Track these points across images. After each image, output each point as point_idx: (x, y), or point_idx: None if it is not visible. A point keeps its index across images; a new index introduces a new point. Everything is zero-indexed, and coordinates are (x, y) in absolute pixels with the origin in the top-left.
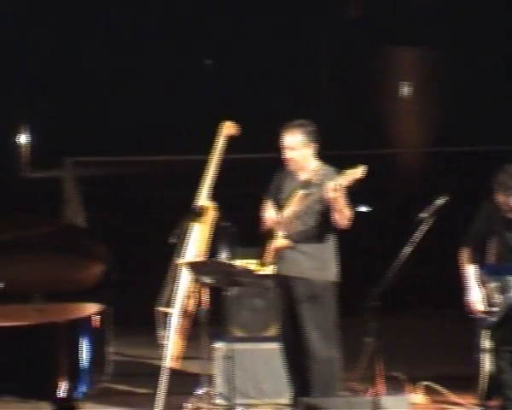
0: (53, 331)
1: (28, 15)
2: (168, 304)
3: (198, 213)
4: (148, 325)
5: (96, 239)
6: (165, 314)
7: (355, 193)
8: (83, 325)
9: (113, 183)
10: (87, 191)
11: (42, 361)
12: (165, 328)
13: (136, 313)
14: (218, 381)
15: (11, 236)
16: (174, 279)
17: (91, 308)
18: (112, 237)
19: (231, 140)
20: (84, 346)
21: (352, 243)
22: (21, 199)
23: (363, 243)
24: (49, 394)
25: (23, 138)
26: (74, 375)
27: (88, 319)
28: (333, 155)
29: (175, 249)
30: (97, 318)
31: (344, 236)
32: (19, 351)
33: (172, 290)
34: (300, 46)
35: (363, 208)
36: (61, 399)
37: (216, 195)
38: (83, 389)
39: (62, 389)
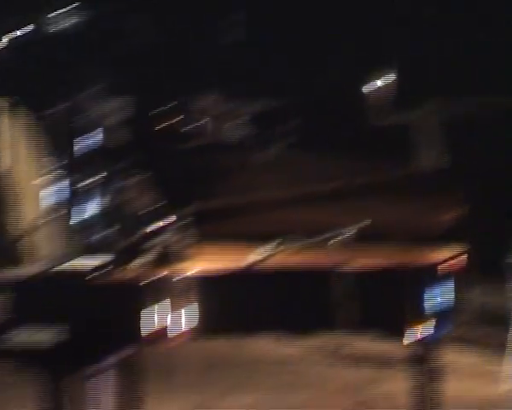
0: (410, 273)
1: None
2: None
3: None
4: None
5: (457, 182)
6: None
7: None
8: (440, 268)
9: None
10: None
11: (398, 303)
12: None
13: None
14: None
15: (375, 178)
16: None
17: (450, 252)
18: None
19: None
20: (441, 290)
21: None
22: (383, 142)
23: None
24: (402, 336)
25: (379, 83)
26: (431, 319)
27: (445, 262)
28: None
29: None
30: (455, 262)
31: None
32: (376, 291)
33: None
34: None
35: None
36: (417, 341)
37: None
38: (438, 333)
39: (417, 332)
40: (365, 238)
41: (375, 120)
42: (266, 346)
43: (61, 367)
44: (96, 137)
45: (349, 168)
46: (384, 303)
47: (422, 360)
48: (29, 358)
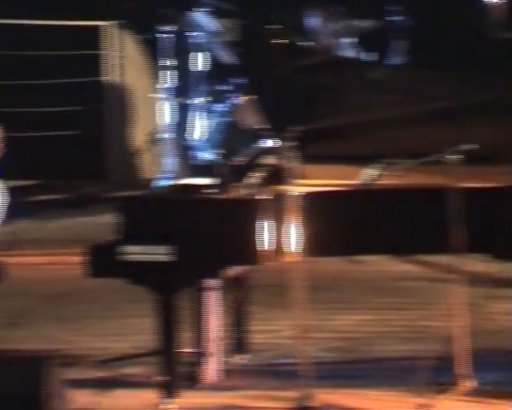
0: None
1: None
2: None
3: None
4: None
5: None
6: None
7: None
8: None
9: None
10: None
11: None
12: None
13: None
14: None
15: (483, 98)
16: None
17: None
18: None
19: None
20: None
21: None
22: (491, 60)
23: None
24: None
25: None
26: None
27: None
28: None
29: None
30: None
31: None
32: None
33: None
34: None
35: None
36: None
37: None
38: None
39: None
40: (473, 160)
41: (489, 36)
42: (377, 265)
43: (172, 282)
44: (206, 59)
45: (460, 88)
46: (495, 224)
47: None
48: (141, 273)
